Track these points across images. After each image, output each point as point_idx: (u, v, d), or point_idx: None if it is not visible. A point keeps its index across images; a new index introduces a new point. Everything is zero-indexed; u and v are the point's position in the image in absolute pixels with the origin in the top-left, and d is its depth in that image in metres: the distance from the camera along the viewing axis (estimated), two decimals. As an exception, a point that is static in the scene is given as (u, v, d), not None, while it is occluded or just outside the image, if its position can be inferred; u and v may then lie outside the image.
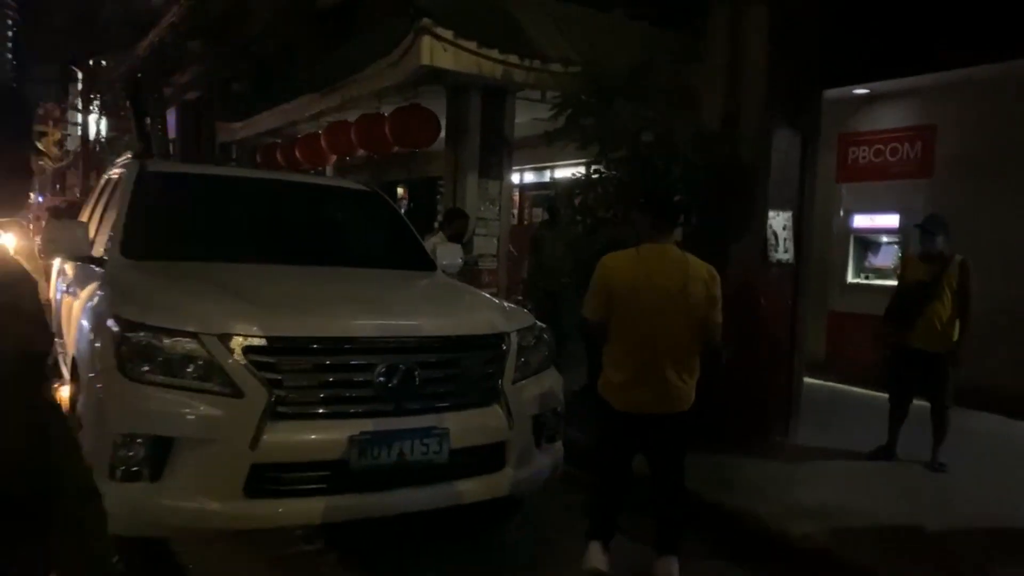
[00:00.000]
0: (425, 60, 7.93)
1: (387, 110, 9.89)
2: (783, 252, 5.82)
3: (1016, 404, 6.77)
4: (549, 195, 11.11)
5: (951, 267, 5.31)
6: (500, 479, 3.53)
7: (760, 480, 4.91)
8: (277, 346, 3.09)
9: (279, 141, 13.55)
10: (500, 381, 3.53)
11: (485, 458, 3.49)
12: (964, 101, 7.71)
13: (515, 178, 12.55)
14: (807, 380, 7.75)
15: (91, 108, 29.98)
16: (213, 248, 4.27)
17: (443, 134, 9.49)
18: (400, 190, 16.77)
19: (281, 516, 3.11)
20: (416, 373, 3.26)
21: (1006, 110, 7.41)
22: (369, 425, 3.14)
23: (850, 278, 8.89)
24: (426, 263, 4.81)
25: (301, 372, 3.13)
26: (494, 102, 9.12)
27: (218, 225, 4.60)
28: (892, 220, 8.37)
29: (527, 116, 9.44)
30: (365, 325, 3.33)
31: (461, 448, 3.36)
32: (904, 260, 5.84)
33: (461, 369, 3.47)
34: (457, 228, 7.40)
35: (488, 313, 3.85)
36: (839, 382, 8.37)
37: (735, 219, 5.70)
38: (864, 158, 8.71)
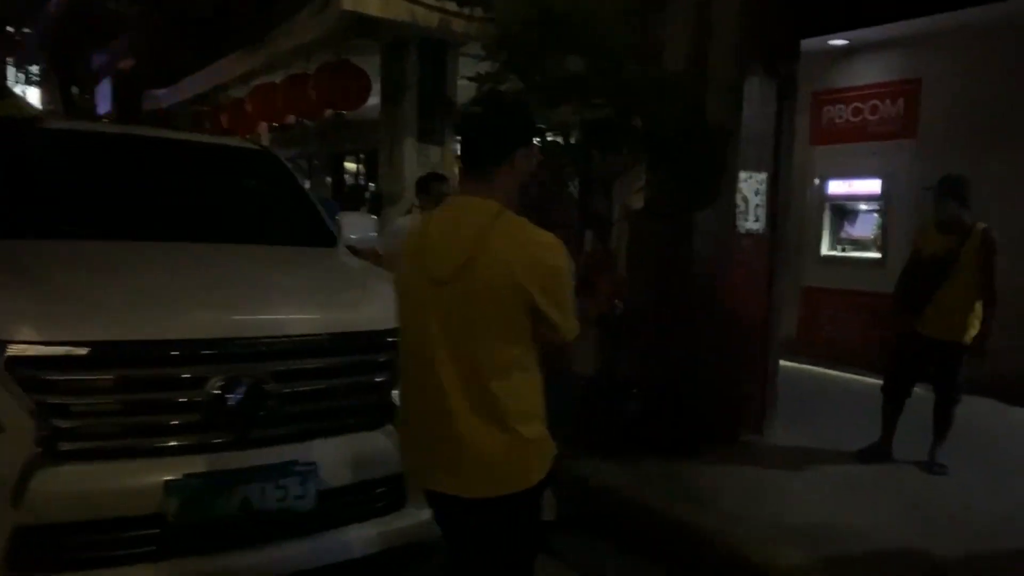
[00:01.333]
0: (348, 5, 6.95)
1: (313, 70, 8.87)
2: (754, 221, 5.00)
3: (1013, 390, 6.08)
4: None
5: (972, 239, 4.48)
6: (400, 522, 2.66)
7: (733, 492, 4.11)
8: (57, 357, 2.16)
9: (205, 109, 12.41)
10: (394, 393, 2.64)
11: (375, 497, 2.61)
12: (953, 51, 6.93)
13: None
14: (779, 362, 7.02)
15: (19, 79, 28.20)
16: (45, 221, 3.31)
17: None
18: (352, 164, 15.73)
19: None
20: (268, 388, 2.36)
21: (1000, 60, 6.63)
22: (198, 464, 2.24)
23: (825, 250, 8.12)
24: (324, 238, 3.89)
25: (96, 393, 2.21)
26: (433, 57, 8.15)
27: (58, 191, 3.62)
28: (872, 186, 7.59)
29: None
30: (195, 323, 2.40)
31: (338, 487, 2.48)
32: (918, 231, 4.97)
33: (337, 380, 2.57)
34: (436, 193, 6.33)
35: (383, 303, 2.95)
36: (812, 364, 7.63)
37: (701, 182, 4.84)
38: (841, 118, 7.91)
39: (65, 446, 2.13)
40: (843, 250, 7.98)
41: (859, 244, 7.91)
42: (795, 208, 7.77)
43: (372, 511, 2.60)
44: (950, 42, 6.88)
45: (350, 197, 11.08)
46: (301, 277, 3.12)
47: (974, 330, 4.46)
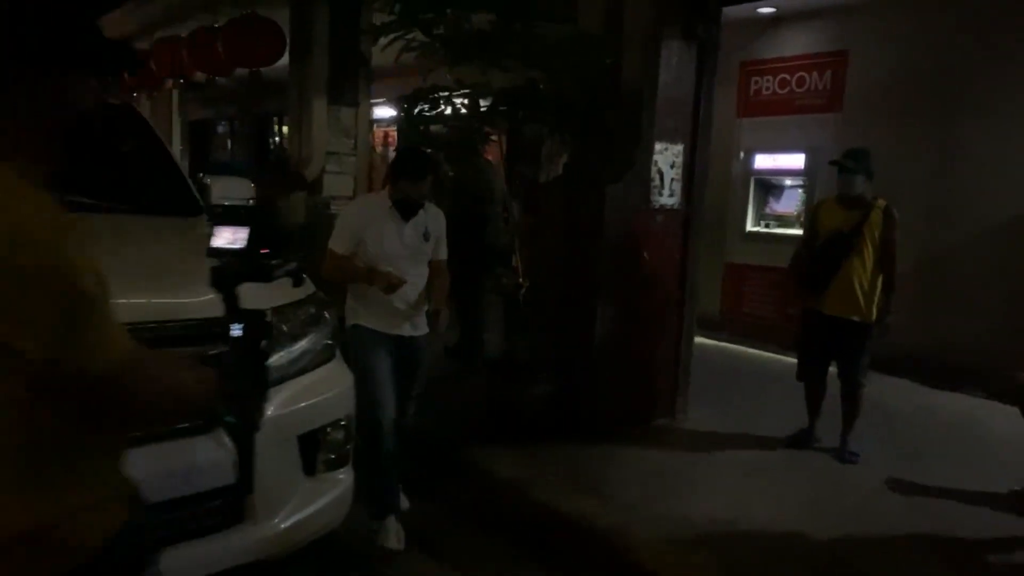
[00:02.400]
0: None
1: (223, 23, 8.25)
2: (669, 195, 4.72)
3: (930, 370, 6.00)
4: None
5: (873, 214, 4.32)
6: (234, 541, 2.30)
7: (636, 482, 3.86)
8: None
9: (107, 61, 11.54)
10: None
11: (202, 514, 2.24)
12: (880, 22, 6.75)
13: (384, 112, 11.10)
14: (699, 340, 6.85)
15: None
16: None
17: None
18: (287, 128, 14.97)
19: None
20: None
21: (928, 31, 6.47)
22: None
23: (749, 226, 7.92)
24: (189, 206, 3.45)
25: None
26: (345, 11, 7.60)
27: None
28: (797, 160, 7.41)
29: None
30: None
31: (159, 503, 2.09)
32: (817, 205, 4.78)
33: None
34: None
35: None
36: (735, 342, 7.49)
37: (613, 152, 4.53)
38: (768, 89, 7.68)
39: None
40: (767, 226, 7.80)
41: (783, 220, 7.73)
42: (720, 183, 7.59)
43: (200, 529, 2.23)
44: (878, 12, 6.69)
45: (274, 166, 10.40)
46: (135, 255, 2.68)
47: (876, 308, 4.31)
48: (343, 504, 2.73)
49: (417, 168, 3.45)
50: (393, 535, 3.30)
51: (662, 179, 4.62)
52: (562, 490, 3.70)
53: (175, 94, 12.27)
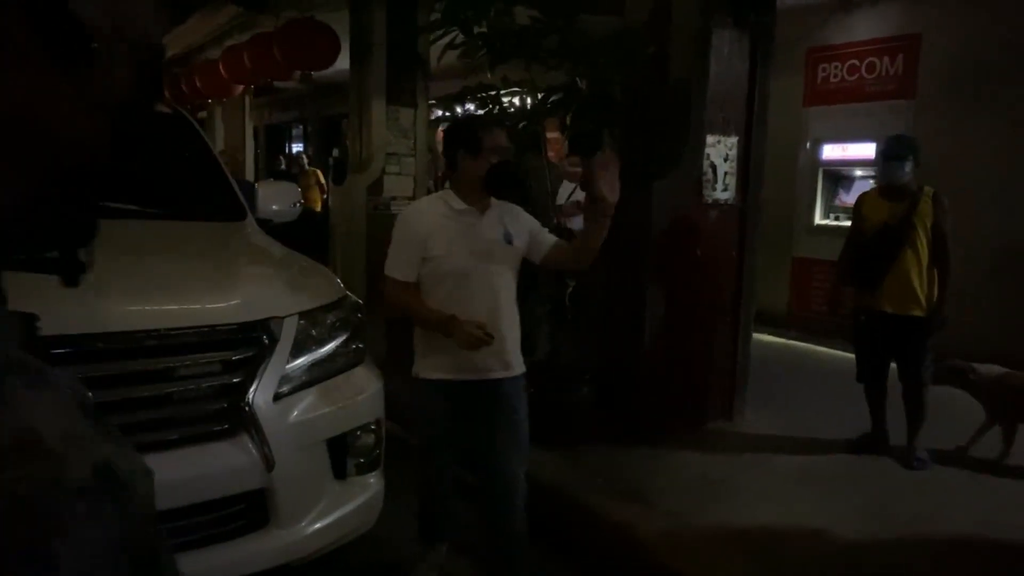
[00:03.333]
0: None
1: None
2: (722, 190, 4.56)
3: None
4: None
5: (922, 203, 4.10)
6: (258, 546, 2.31)
7: (685, 488, 3.75)
8: None
9: (181, 71, 11.97)
10: (251, 396, 2.27)
11: (227, 517, 2.26)
12: (954, 3, 6.39)
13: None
14: (765, 338, 6.63)
15: None
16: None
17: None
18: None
19: None
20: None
21: (1004, 13, 6.09)
22: None
23: (818, 219, 7.65)
24: (233, 210, 3.52)
25: None
26: (402, 13, 7.65)
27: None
28: (868, 150, 7.07)
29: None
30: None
31: (183, 507, 2.13)
32: (859, 199, 4.55)
33: (169, 384, 2.20)
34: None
35: (251, 289, 2.57)
36: (803, 340, 7.23)
37: (663, 146, 4.41)
38: (836, 76, 7.37)
39: None
40: (837, 219, 7.49)
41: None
42: (787, 174, 7.34)
43: (225, 533, 2.25)
44: (952, -7, 6.35)
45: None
46: (170, 260, 2.73)
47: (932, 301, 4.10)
48: (373, 509, 2.73)
49: (507, 185, 2.73)
50: (426, 567, 2.98)
51: (715, 173, 4.47)
52: (605, 495, 3.62)
53: (246, 100, 12.60)
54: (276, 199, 3.84)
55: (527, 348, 4.61)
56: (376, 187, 7.92)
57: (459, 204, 2.66)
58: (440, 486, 2.92)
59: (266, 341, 2.35)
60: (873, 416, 4.39)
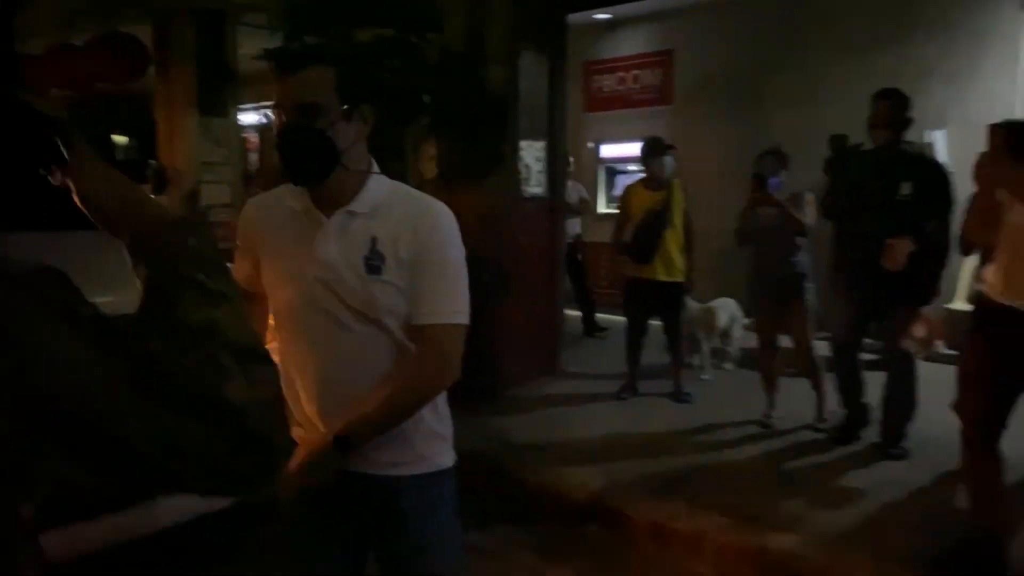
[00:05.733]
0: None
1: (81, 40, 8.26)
2: (536, 185, 5.49)
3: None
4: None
5: (675, 192, 5.19)
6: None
7: (527, 426, 4.62)
8: None
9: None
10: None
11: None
12: (700, 24, 7.83)
13: (251, 118, 11.32)
14: (569, 312, 7.68)
15: None
16: None
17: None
18: (121, 138, 14.60)
19: None
20: None
21: (739, 32, 7.60)
22: None
23: (601, 208, 8.91)
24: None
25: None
26: (210, 27, 7.89)
27: None
28: (637, 149, 8.40)
29: (254, 47, 8.31)
30: None
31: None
32: (626, 191, 5.55)
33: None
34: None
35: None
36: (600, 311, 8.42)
37: (488, 151, 5.24)
38: (608, 86, 8.68)
39: None
40: (617, 207, 8.79)
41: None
42: (575, 172, 8.49)
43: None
44: (698, 16, 7.77)
45: (128, 171, 10.36)
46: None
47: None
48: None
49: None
50: None
51: (529, 172, 5.38)
52: (465, 437, 4.38)
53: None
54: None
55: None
56: (194, 197, 8.06)
57: (298, 200, 1.65)
58: None
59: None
60: (630, 365, 5.40)
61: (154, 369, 0.83)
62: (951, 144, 6.45)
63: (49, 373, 0.80)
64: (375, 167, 1.67)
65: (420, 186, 6.29)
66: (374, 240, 1.59)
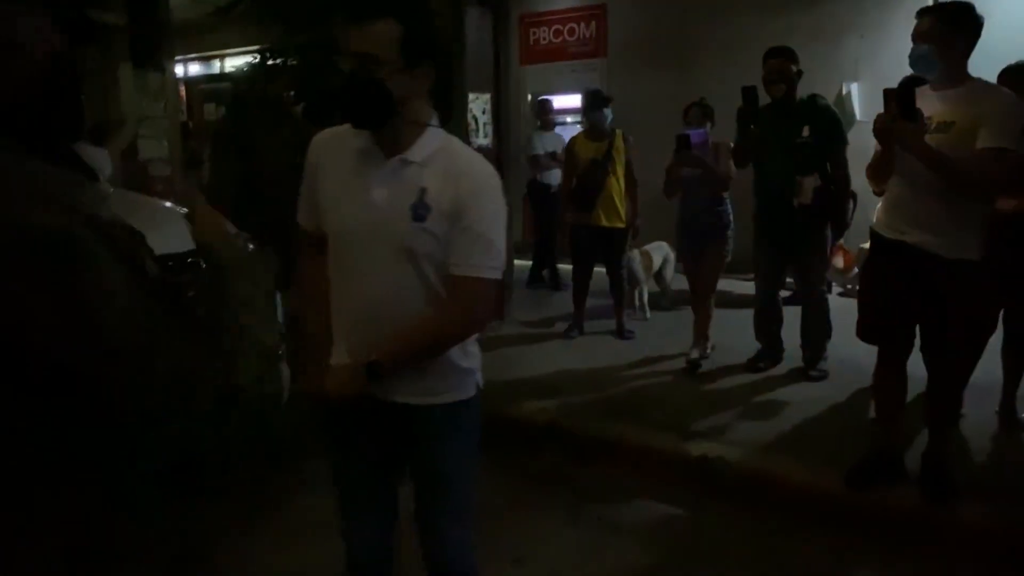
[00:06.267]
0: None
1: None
2: (483, 137, 5.74)
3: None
4: (222, 88, 9.97)
5: (616, 141, 5.47)
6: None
7: (489, 362, 4.93)
8: None
9: None
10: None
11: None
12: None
13: (179, 70, 11.10)
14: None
15: None
16: None
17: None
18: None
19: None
20: None
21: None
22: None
23: (540, 160, 9.18)
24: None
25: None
26: (142, -24, 7.75)
27: None
28: (575, 101, 8.69)
29: (187, -2, 8.23)
30: None
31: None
32: (571, 141, 5.80)
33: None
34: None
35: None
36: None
37: (438, 104, 5.44)
38: (545, 39, 8.89)
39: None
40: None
41: (567, 152, 9.07)
42: (513, 123, 8.73)
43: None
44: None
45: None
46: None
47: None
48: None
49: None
50: None
51: (477, 123, 5.62)
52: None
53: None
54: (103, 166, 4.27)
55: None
56: (131, 151, 7.99)
57: (362, 139, 1.78)
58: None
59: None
60: (576, 307, 5.77)
61: (192, 334, 1.05)
62: (864, 95, 6.97)
63: (107, 310, 0.99)
64: (435, 120, 1.82)
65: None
66: (423, 190, 1.72)
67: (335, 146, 1.84)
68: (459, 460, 1.94)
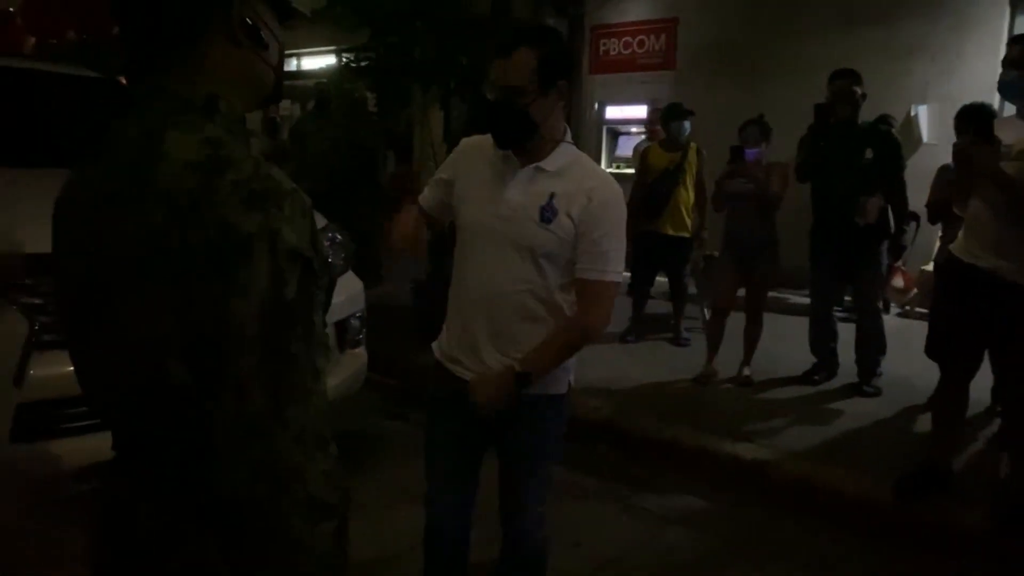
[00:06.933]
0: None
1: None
2: (558, 144, 5.93)
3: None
4: (307, 85, 10.33)
5: (690, 154, 5.63)
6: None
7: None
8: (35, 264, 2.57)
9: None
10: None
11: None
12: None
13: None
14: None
15: None
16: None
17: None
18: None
19: (55, 459, 2.68)
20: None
21: (741, 4, 8.03)
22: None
23: (604, 167, 9.37)
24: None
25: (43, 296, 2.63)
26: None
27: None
28: (640, 111, 8.86)
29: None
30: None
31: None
32: (645, 150, 5.97)
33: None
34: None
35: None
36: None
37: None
38: (615, 51, 9.07)
39: (48, 338, 2.58)
40: (618, 167, 9.26)
41: (630, 163, 9.22)
42: (577, 130, 8.94)
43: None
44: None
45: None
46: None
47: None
48: (360, 375, 3.79)
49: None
50: None
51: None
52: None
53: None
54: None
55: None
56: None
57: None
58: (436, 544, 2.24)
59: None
60: (635, 311, 5.93)
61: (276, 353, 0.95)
62: (932, 118, 6.97)
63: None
64: (568, 135, 2.03)
65: (432, 147, 6.82)
66: (552, 196, 1.93)
67: (478, 151, 2.08)
68: (550, 445, 2.16)
